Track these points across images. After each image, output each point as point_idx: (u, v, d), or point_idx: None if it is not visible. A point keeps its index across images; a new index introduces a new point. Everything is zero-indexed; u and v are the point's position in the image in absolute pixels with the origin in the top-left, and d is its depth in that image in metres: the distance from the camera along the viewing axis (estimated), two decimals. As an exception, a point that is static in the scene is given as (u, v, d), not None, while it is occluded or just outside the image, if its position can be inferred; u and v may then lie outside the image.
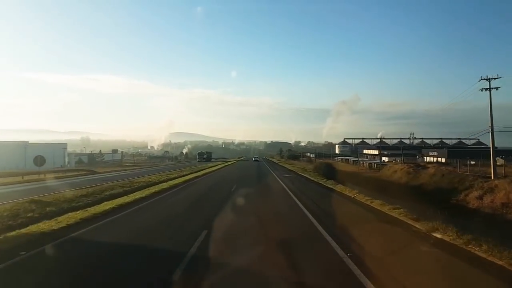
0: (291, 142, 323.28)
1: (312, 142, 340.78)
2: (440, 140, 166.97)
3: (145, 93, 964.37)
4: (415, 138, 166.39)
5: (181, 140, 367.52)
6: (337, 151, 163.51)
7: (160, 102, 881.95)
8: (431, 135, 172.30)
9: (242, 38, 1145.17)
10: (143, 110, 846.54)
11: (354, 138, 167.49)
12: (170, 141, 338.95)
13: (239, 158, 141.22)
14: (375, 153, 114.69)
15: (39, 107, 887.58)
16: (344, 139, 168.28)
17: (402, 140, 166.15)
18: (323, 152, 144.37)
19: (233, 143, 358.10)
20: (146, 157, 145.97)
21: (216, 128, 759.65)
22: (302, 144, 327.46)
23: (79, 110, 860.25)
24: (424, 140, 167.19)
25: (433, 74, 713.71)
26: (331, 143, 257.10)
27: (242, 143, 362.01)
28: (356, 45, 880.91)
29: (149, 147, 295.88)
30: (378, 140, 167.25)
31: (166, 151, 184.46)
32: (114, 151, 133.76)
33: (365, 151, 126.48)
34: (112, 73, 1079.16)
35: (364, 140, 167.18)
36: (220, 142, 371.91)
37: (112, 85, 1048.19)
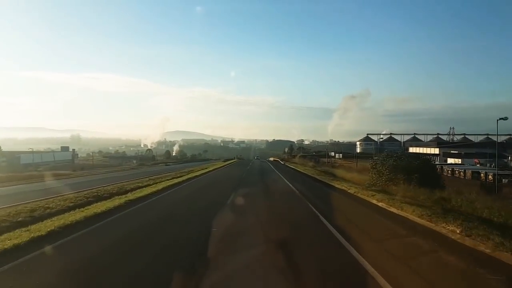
0: (293, 141, 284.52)
1: (316, 140, 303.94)
2: (486, 136, 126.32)
3: (145, 91, 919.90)
4: (454, 134, 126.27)
5: (179, 138, 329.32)
6: (358, 150, 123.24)
7: (160, 101, 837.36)
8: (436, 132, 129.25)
9: (243, 37, 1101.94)
10: (142, 109, 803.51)
11: (380, 134, 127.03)
12: (165, 139, 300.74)
13: (226, 160, 77.47)
14: (430, 151, 74.41)
15: (37, 105, 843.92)
16: (367, 134, 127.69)
17: (439, 135, 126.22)
18: (346, 150, 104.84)
19: (232, 141, 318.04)
20: (108, 158, 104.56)
21: (216, 127, 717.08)
22: (306, 142, 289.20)
23: (77, 108, 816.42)
24: (467, 136, 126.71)
25: (435, 73, 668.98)
26: (338, 141, 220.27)
27: (242, 142, 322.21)
28: (358, 44, 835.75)
29: (142, 145, 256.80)
30: (410, 137, 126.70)
31: (149, 150, 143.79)
32: (64, 149, 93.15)
33: (411, 149, 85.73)
34: (111, 72, 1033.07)
35: (392, 135, 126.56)
36: (219, 141, 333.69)
37: (111, 84, 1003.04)
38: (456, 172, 43.35)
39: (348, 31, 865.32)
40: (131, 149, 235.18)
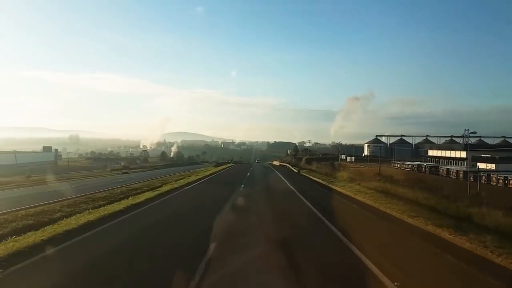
0: (295, 142, 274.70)
1: (317, 142, 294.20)
2: (503, 138, 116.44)
3: (146, 92, 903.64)
4: (469, 136, 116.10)
5: (179, 139, 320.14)
6: (366, 152, 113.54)
7: (161, 102, 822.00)
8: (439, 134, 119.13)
9: (245, 38, 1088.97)
10: (144, 110, 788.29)
11: (390, 136, 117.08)
12: (164, 140, 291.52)
13: (218, 165, 60.20)
14: (455, 155, 64.61)
15: (38, 105, 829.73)
16: (376, 136, 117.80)
17: (453, 138, 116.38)
18: (350, 153, 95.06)
19: (233, 143, 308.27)
20: (91, 160, 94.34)
21: (217, 128, 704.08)
22: (308, 144, 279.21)
23: (78, 108, 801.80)
24: (482, 138, 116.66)
25: (441, 76, 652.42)
26: (340, 143, 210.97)
27: (243, 143, 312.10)
28: (361, 46, 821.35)
29: (141, 146, 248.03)
30: (422, 138, 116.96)
31: (145, 151, 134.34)
32: (47, 149, 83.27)
33: (431, 152, 75.70)
34: (113, 72, 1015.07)
35: (403, 137, 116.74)
36: (220, 142, 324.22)
37: (113, 84, 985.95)
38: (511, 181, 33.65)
39: (351, 33, 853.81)
40: (130, 150, 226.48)
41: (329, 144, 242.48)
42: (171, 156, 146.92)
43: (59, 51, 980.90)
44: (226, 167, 54.64)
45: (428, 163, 57.80)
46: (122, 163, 75.27)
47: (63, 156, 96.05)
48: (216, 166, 56.96)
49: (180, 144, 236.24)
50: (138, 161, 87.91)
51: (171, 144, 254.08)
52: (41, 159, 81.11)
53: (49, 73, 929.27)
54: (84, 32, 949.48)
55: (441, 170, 46.16)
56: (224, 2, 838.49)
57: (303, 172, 37.79)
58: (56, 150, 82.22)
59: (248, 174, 36.17)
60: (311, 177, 30.59)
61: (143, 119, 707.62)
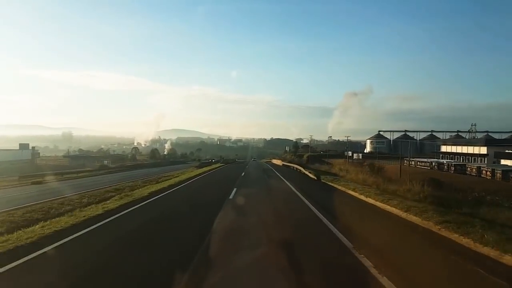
0: (292, 139, 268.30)
1: (315, 139, 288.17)
2: (511, 133, 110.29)
3: (143, 90, 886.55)
4: (476, 131, 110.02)
5: (175, 137, 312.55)
6: (368, 148, 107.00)
7: (158, 99, 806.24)
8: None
9: (242, 35, 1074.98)
10: (140, 107, 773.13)
11: (393, 131, 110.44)
12: (159, 137, 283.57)
13: (201, 166, 48.94)
14: (473, 151, 57.87)
15: (35, 103, 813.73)
16: (379, 131, 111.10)
17: (459, 133, 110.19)
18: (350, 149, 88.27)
19: (229, 140, 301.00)
20: (70, 157, 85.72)
21: (214, 125, 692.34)
22: (305, 141, 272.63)
23: (74, 106, 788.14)
24: (490, 133, 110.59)
25: (440, 72, 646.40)
26: (338, 140, 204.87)
27: (240, 140, 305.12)
28: (357, 43, 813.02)
29: (135, 144, 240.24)
30: (427, 134, 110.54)
31: (136, 148, 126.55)
32: (24, 147, 74.60)
33: (445, 148, 68.55)
34: (109, 70, 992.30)
35: (407, 133, 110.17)
36: (216, 139, 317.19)
37: (109, 82, 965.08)
38: None
39: (349, 31, 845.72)
40: (124, 147, 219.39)
41: (326, 140, 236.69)
42: (164, 153, 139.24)
43: (55, 49, 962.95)
44: (210, 170, 38.99)
45: (449, 160, 50.90)
46: (105, 162, 67.62)
47: (47, 154, 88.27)
48: (199, 167, 44.03)
49: (175, 141, 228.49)
50: (117, 160, 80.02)
51: (166, 141, 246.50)
52: (18, 157, 73.28)
53: (45, 71, 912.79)
54: (80, 29, 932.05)
55: (468, 169, 39.26)
56: (223, 1, 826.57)
57: (327, 181, 20.80)
58: (33, 147, 74.09)
59: (235, 189, 16.45)
60: (371, 201, 11.65)
61: (139, 117, 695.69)
